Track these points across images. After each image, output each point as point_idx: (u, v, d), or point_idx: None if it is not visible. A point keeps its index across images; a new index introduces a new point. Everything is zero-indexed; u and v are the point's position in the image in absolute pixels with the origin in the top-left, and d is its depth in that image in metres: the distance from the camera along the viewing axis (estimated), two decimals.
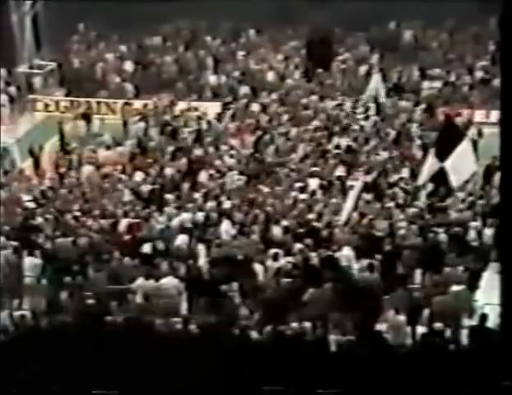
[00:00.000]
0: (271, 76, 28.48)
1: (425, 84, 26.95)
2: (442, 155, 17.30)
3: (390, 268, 15.96)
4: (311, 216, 18.13)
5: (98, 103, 28.29)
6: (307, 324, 14.31)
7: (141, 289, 15.69)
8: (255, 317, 15.03)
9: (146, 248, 17.08)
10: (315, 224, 17.74)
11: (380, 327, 14.53)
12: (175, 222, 18.11)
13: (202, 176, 20.76)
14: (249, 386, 12.38)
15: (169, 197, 19.46)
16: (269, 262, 16.37)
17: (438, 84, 26.74)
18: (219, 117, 24.89)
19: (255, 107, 25.40)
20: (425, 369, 12.38)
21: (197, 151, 22.19)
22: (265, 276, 16.20)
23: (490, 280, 15.37)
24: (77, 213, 18.64)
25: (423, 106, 24.63)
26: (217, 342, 13.79)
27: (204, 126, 24.18)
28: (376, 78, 24.27)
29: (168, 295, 15.55)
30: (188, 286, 15.83)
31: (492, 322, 13.87)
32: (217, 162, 21.57)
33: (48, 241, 17.44)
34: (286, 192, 19.59)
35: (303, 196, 19.13)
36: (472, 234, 17.18)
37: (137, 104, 26.83)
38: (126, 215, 18.53)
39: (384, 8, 27.27)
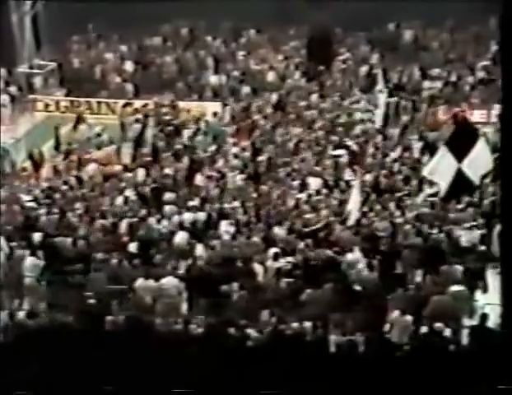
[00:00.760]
0: (271, 76, 28.46)
1: (426, 84, 26.92)
2: (459, 156, 17.07)
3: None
4: (314, 215, 18.16)
5: (98, 103, 28.28)
6: (307, 324, 14.30)
7: (142, 289, 15.68)
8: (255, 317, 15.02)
9: (133, 247, 17.02)
10: (318, 225, 17.77)
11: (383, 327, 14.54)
12: (174, 220, 18.09)
13: (203, 177, 20.73)
14: (249, 386, 12.38)
15: (168, 196, 19.45)
16: (269, 262, 16.36)
17: (438, 84, 26.72)
18: (219, 117, 24.91)
19: (255, 107, 25.43)
20: (425, 369, 12.39)
21: (198, 152, 22.22)
22: (265, 276, 16.19)
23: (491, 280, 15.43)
24: (79, 213, 18.65)
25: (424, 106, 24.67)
26: (217, 342, 13.80)
27: (204, 126, 24.20)
28: (380, 78, 24.27)
29: (168, 295, 15.53)
30: (188, 286, 15.81)
31: (493, 322, 13.90)
32: (218, 162, 21.57)
33: (49, 241, 17.43)
34: (287, 192, 19.59)
35: (304, 196, 19.15)
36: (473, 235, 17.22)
37: (137, 104, 26.80)
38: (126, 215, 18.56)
39: (384, 8, 27.26)
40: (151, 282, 15.72)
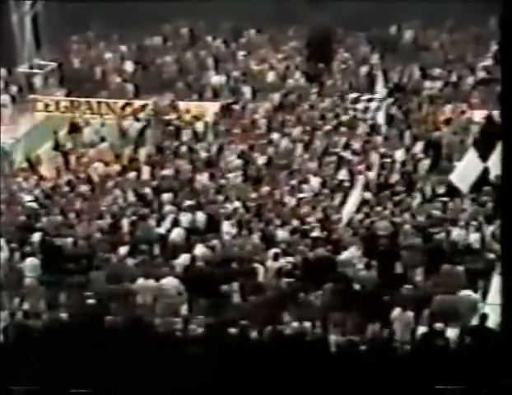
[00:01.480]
0: (271, 76, 28.47)
1: (426, 84, 26.92)
2: (484, 155, 16.94)
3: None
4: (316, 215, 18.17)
5: (98, 103, 28.28)
6: (307, 324, 14.30)
7: (142, 289, 15.68)
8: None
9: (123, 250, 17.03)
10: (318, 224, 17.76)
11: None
12: (172, 220, 18.14)
13: (204, 177, 20.72)
14: (249, 386, 12.38)
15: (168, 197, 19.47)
16: (269, 262, 16.36)
17: (438, 84, 26.71)
18: (219, 117, 24.92)
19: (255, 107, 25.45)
20: (425, 369, 12.39)
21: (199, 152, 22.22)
22: (265, 276, 16.19)
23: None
24: (79, 213, 18.67)
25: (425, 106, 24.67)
26: (217, 342, 13.79)
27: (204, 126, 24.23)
28: (380, 78, 24.28)
29: (168, 295, 15.53)
30: (188, 286, 15.81)
31: (493, 322, 13.89)
32: (219, 162, 21.58)
33: (49, 241, 17.43)
34: (287, 192, 19.60)
35: (304, 195, 19.18)
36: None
37: (137, 104, 26.82)
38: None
39: (384, 8, 27.25)
40: (151, 282, 15.72)
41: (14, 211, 18.93)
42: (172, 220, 18.11)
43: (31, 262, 16.54)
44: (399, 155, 21.61)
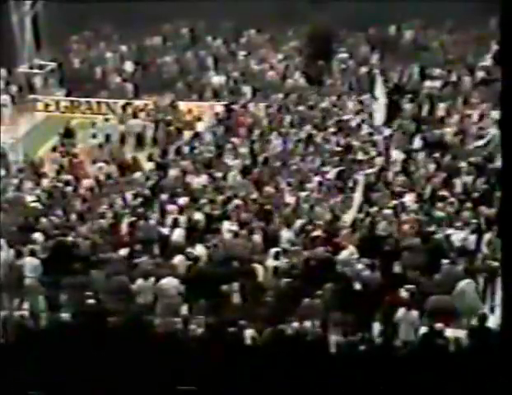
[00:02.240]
0: (272, 76, 28.48)
1: (426, 84, 26.92)
2: None
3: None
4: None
5: (98, 103, 28.29)
6: (307, 324, 14.31)
7: (142, 289, 15.69)
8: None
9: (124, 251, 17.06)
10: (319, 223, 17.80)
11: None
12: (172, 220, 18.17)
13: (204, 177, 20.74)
14: (249, 386, 12.38)
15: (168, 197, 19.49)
16: (269, 262, 16.37)
17: (437, 84, 26.71)
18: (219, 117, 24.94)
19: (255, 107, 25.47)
20: (425, 369, 12.39)
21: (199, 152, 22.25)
22: (265, 276, 16.19)
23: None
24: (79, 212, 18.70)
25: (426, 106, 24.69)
26: (217, 342, 13.80)
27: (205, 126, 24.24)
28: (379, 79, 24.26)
29: (168, 296, 15.53)
30: (188, 286, 15.82)
31: (493, 322, 13.90)
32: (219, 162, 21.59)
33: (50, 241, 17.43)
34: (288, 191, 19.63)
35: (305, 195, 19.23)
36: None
37: (137, 104, 26.84)
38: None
39: (385, 9, 27.26)
40: (151, 282, 15.72)
41: (16, 211, 18.92)
42: (172, 221, 18.12)
43: (31, 262, 16.54)
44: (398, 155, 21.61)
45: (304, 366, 12.58)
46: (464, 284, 15.04)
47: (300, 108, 24.93)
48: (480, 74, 26.95)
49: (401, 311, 14.57)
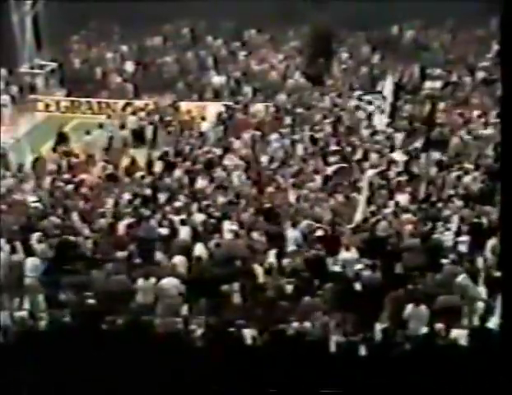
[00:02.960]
0: (272, 76, 28.50)
1: (427, 84, 26.94)
2: None
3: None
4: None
5: (98, 103, 28.31)
6: (307, 324, 14.31)
7: (142, 289, 15.69)
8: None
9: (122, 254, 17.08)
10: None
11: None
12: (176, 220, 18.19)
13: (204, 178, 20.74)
14: (249, 386, 12.38)
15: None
16: (270, 261, 16.38)
17: (437, 84, 26.72)
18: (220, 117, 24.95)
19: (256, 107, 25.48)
20: (425, 370, 12.39)
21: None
22: (265, 276, 16.19)
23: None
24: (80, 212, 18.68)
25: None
26: (217, 342, 13.80)
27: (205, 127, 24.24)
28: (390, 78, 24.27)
29: (168, 296, 15.53)
30: (188, 286, 15.81)
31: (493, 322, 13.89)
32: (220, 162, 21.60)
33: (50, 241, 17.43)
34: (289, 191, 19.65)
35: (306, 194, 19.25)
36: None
37: (138, 104, 26.87)
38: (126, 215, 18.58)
39: (385, 9, 27.27)
40: (151, 282, 15.72)
41: (17, 211, 18.92)
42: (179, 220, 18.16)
43: (32, 262, 16.53)
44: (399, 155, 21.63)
45: (304, 366, 12.58)
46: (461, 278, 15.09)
47: (300, 109, 24.95)
48: (480, 74, 26.97)
49: (409, 307, 14.58)
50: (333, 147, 22.09)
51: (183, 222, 17.90)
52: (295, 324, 14.31)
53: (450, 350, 13.58)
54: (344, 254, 16.41)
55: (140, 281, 15.75)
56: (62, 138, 23.87)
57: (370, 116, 24.16)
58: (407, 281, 15.29)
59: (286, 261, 16.39)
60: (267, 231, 17.58)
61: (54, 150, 23.50)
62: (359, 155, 21.66)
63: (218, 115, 25.20)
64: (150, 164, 21.93)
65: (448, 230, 17.27)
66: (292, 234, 17.43)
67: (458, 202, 18.54)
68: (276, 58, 29.58)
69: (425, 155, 21.35)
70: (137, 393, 12.60)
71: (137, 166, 21.91)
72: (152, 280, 15.70)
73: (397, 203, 18.64)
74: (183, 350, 13.52)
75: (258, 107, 25.63)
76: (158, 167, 21.51)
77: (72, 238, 17.33)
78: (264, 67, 29.09)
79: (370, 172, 20.24)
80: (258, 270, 16.13)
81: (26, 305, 15.86)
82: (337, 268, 16.16)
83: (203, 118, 25.24)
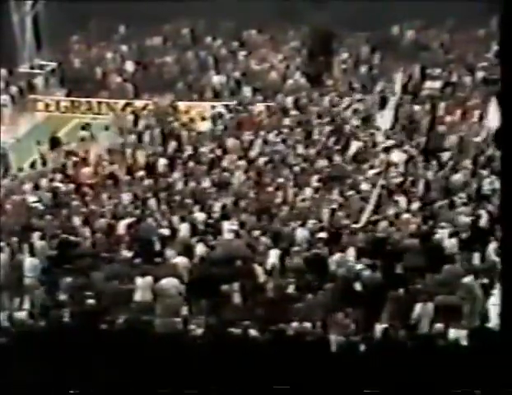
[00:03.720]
0: (272, 76, 28.50)
1: (427, 84, 26.91)
2: None
3: None
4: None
5: (98, 103, 28.31)
6: (307, 324, 14.32)
7: (142, 289, 15.69)
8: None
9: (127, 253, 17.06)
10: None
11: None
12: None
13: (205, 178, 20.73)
14: (249, 386, 12.39)
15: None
16: (273, 261, 16.39)
17: (437, 84, 26.70)
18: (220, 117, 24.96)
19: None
20: (425, 370, 12.40)
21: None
22: (266, 276, 16.21)
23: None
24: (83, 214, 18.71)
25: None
26: (217, 342, 13.80)
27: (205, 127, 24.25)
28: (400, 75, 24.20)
29: (168, 296, 15.53)
30: (188, 286, 15.82)
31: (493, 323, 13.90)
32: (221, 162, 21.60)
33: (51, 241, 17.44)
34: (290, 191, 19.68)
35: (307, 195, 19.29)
36: None
37: (138, 104, 26.87)
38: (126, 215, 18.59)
39: (385, 9, 27.26)
40: (151, 282, 15.72)
41: (15, 211, 18.93)
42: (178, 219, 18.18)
43: (31, 262, 16.54)
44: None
45: (304, 366, 12.59)
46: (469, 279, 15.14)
47: (300, 109, 24.96)
48: (480, 74, 26.94)
49: (418, 307, 14.59)
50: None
51: (182, 219, 17.93)
52: (295, 324, 14.32)
53: (450, 351, 13.61)
54: (346, 254, 16.43)
55: (138, 280, 15.74)
56: (54, 143, 23.69)
57: (369, 117, 24.16)
58: (408, 281, 15.33)
59: (287, 260, 16.40)
60: (270, 231, 17.59)
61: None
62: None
63: (219, 115, 25.19)
64: (151, 164, 21.96)
65: (448, 229, 17.29)
66: (301, 233, 17.44)
67: (458, 202, 18.57)
68: (277, 58, 29.56)
69: (425, 154, 21.41)
70: (137, 393, 12.61)
71: (140, 166, 21.92)
72: (149, 278, 15.70)
73: (396, 202, 18.69)
74: (183, 350, 13.52)
75: (259, 107, 25.60)
76: (160, 167, 21.49)
77: (72, 238, 17.37)
78: (264, 67, 29.10)
79: (371, 172, 20.27)
80: (259, 270, 16.14)
81: (26, 305, 15.86)
82: (337, 268, 16.16)
83: (203, 118, 25.23)
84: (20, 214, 18.78)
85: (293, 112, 24.53)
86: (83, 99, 28.47)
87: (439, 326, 14.13)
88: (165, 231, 17.88)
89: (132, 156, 22.28)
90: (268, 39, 30.78)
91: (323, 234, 17.21)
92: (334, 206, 18.67)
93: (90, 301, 14.99)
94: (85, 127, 24.32)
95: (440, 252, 16.61)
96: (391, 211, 18.33)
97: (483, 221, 17.63)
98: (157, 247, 17.38)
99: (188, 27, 31.22)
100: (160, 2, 27.56)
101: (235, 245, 17.11)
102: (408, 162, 21.11)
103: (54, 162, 22.57)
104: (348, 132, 22.79)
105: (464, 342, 13.84)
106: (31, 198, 19.54)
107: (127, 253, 16.95)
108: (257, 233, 17.41)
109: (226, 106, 25.73)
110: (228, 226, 17.86)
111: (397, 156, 21.34)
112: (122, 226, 18.04)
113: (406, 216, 18.07)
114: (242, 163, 21.27)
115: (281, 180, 20.09)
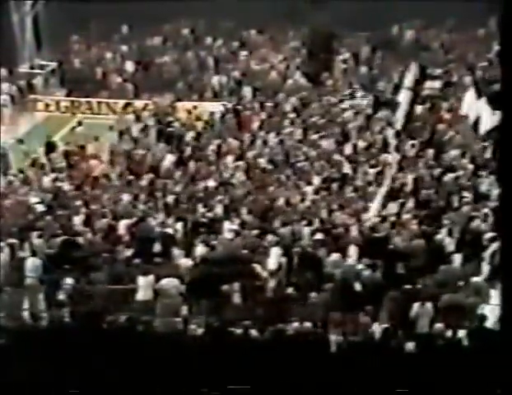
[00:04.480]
0: (272, 76, 28.49)
1: (427, 84, 26.91)
2: None
3: None
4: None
5: (98, 103, 28.32)
6: (307, 324, 14.32)
7: (144, 288, 15.70)
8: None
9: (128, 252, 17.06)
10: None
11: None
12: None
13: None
14: (249, 386, 12.40)
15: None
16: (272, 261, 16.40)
17: (437, 84, 26.71)
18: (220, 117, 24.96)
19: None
20: (425, 370, 12.40)
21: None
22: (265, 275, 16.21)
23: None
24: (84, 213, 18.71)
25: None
26: (218, 342, 13.81)
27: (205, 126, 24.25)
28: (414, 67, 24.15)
29: (168, 296, 15.54)
30: (188, 286, 15.83)
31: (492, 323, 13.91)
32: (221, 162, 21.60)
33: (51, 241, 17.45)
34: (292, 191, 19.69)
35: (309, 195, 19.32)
36: None
37: (138, 104, 26.87)
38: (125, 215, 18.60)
39: (385, 9, 27.26)
40: (153, 281, 15.74)
41: (15, 211, 18.93)
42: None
43: (32, 262, 16.54)
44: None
45: (304, 366, 12.59)
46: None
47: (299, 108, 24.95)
48: (480, 74, 26.94)
49: (416, 306, 14.59)
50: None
51: (182, 219, 17.94)
52: (295, 324, 14.33)
53: (450, 350, 13.61)
54: (346, 254, 16.44)
55: (140, 279, 15.75)
56: (50, 148, 23.54)
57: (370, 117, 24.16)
58: (409, 281, 15.34)
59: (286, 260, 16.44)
60: (270, 230, 17.61)
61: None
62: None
63: (218, 115, 25.18)
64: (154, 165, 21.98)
65: (449, 229, 17.31)
66: (307, 232, 17.46)
67: (459, 202, 18.59)
68: (277, 58, 29.55)
69: (425, 154, 21.42)
70: (136, 393, 12.61)
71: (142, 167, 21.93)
72: (151, 277, 15.70)
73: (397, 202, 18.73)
74: (183, 350, 13.52)
75: (259, 107, 25.58)
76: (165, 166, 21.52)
77: (73, 238, 17.38)
78: (264, 67, 29.10)
79: (371, 171, 20.29)
80: (259, 270, 16.15)
81: (26, 305, 15.87)
82: (333, 269, 16.17)
83: (203, 118, 25.22)
84: (21, 214, 18.78)
85: (292, 114, 24.58)
86: (83, 99, 28.47)
87: (439, 326, 14.13)
88: (169, 230, 17.90)
89: (134, 157, 22.31)
90: (268, 40, 30.77)
91: (319, 236, 17.22)
92: (334, 206, 18.69)
93: (90, 301, 15.01)
94: (81, 122, 24.54)
95: (441, 252, 16.62)
96: (392, 211, 18.35)
97: (483, 221, 17.64)
98: (157, 247, 17.39)
99: (188, 27, 31.21)
100: (160, 2, 27.56)
101: (235, 245, 17.13)
102: (408, 162, 21.16)
103: (54, 163, 22.57)
104: (348, 133, 22.81)
105: (464, 342, 13.85)
106: (33, 199, 19.55)
107: (127, 253, 16.96)
108: (256, 232, 17.43)
109: (226, 106, 25.75)
110: (228, 226, 17.87)
111: (394, 157, 21.43)
112: (122, 226, 18.05)
113: (406, 216, 18.10)
114: (242, 163, 21.28)
115: (281, 180, 20.13)
